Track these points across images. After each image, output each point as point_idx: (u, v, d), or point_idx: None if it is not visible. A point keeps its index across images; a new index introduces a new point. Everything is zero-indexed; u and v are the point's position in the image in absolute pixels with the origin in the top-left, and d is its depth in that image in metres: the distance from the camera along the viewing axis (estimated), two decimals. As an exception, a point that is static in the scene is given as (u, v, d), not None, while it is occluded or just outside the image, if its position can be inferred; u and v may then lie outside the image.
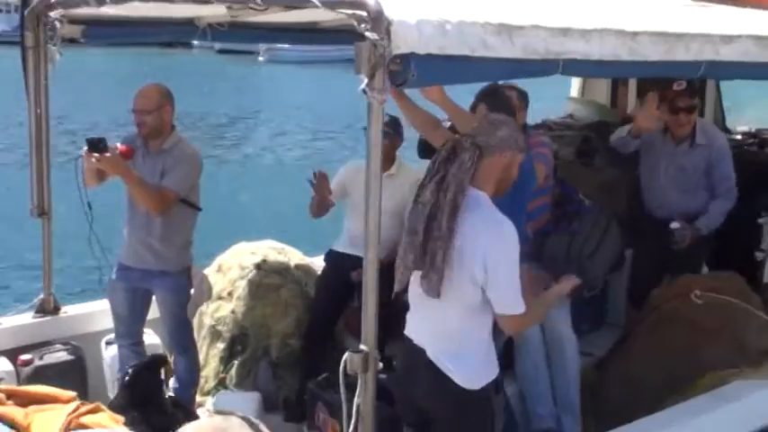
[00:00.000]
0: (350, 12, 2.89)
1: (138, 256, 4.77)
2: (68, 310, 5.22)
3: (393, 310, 5.08)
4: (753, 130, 7.05)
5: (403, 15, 2.87)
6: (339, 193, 5.20)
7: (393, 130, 5.10)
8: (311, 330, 5.22)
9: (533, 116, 5.58)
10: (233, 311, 5.27)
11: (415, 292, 3.32)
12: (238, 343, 5.23)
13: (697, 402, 4.20)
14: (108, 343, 5.16)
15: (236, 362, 5.18)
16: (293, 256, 5.64)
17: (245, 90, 33.55)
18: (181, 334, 4.88)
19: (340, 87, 35.29)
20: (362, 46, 2.81)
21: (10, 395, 3.02)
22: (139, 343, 4.96)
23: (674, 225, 4.91)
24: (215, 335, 5.29)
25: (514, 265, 3.15)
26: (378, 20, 2.80)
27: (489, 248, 3.11)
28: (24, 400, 3.01)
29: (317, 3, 3.02)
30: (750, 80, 4.55)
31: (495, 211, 3.20)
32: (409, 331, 3.45)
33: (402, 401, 3.55)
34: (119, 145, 4.57)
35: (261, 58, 44.36)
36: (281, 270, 5.43)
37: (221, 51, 44.54)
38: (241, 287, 5.32)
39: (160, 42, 24.40)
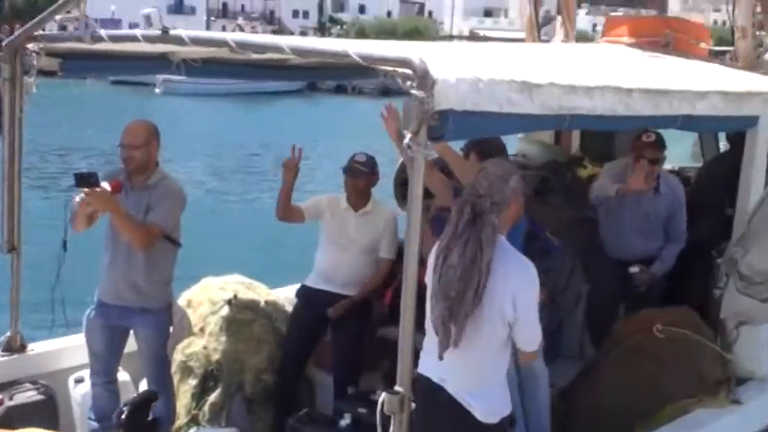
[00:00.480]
0: (396, 69, 3.04)
1: (118, 292, 4.74)
2: (35, 347, 5.11)
3: (369, 345, 5.23)
4: (676, 168, 7.53)
5: (444, 74, 3.04)
6: (312, 212, 5.29)
7: (369, 169, 5.25)
8: (285, 366, 5.28)
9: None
10: (205, 347, 5.27)
11: (433, 337, 3.45)
12: (211, 379, 5.23)
13: (663, 431, 4.50)
14: (77, 381, 5.08)
15: (208, 398, 5.17)
16: (261, 290, 5.69)
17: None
18: (160, 371, 4.86)
19: (236, 119, 35.13)
20: (411, 103, 2.96)
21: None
22: (114, 381, 4.93)
23: (634, 269, 5.25)
24: (186, 371, 5.26)
25: (537, 305, 3.39)
26: (424, 78, 2.96)
27: (519, 290, 3.36)
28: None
29: (359, 59, 3.15)
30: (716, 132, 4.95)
31: (520, 254, 3.42)
32: (425, 370, 3.57)
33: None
34: (105, 182, 4.54)
35: (157, 90, 43.46)
36: (252, 305, 5.47)
37: (115, 83, 43.27)
38: (212, 323, 5.33)
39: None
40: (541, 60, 4.35)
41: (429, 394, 3.54)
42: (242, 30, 69.29)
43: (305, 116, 33.57)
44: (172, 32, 3.88)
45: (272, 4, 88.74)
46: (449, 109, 3.05)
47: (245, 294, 5.53)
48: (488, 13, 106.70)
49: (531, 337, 3.46)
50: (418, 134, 2.99)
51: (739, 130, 4.94)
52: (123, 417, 4.12)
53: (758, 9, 5.66)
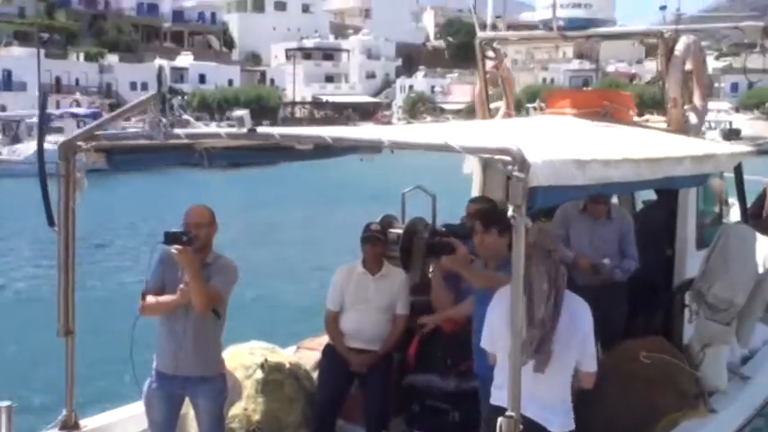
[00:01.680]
0: (499, 157, 3.78)
1: (177, 362, 5.13)
2: (88, 423, 5.40)
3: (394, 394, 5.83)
4: None
5: (533, 158, 3.79)
6: (338, 298, 5.90)
7: (384, 236, 5.92)
8: (319, 419, 5.80)
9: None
10: (245, 409, 5.73)
11: (528, 376, 4.11)
12: (253, 438, 5.68)
13: None
14: (132, 452, 5.41)
15: (253, 455, 5.61)
16: (282, 353, 6.20)
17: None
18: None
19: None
20: (516, 184, 3.70)
21: None
22: (172, 447, 5.28)
23: (606, 261, 6.14)
24: (229, 432, 5.69)
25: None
26: (523, 163, 3.71)
27: (586, 326, 4.16)
28: None
29: (460, 149, 3.87)
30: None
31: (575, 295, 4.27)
32: (523, 409, 4.15)
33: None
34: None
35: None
36: (280, 367, 5.97)
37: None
38: (249, 386, 5.79)
39: None
40: (552, 136, 5.20)
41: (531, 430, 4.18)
42: (79, 105, 67.09)
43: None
44: (259, 130, 4.45)
45: (108, 76, 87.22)
46: (538, 186, 3.80)
47: (272, 358, 6.02)
48: (330, 79, 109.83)
49: (593, 362, 4.31)
50: (521, 207, 3.72)
51: (698, 185, 6.00)
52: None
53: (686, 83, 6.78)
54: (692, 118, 6.89)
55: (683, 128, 6.78)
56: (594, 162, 4.31)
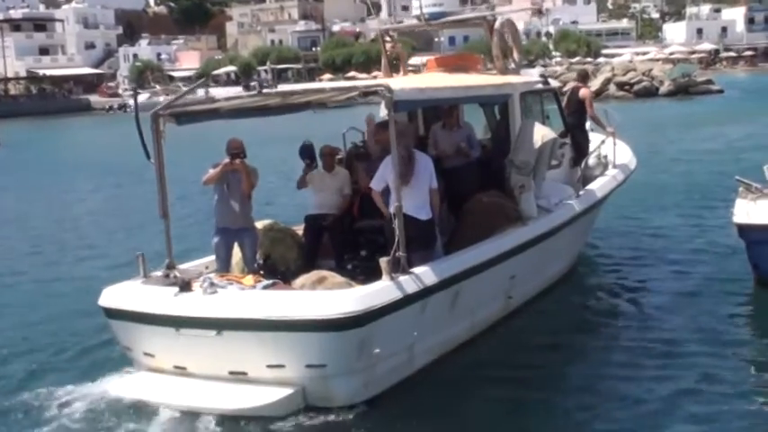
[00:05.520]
0: (379, 88, 8.32)
1: (232, 219, 9.56)
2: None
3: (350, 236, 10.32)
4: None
5: (395, 86, 8.33)
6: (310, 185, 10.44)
7: (333, 152, 10.45)
8: (308, 257, 10.28)
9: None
10: (265, 249, 10.20)
11: (404, 192, 8.66)
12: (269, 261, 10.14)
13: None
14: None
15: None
16: (281, 224, 10.71)
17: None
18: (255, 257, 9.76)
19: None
20: (388, 98, 8.22)
21: None
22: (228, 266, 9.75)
23: (462, 144, 10.60)
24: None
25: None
26: (389, 89, 8.22)
27: (430, 165, 8.84)
28: None
29: (363, 86, 8.40)
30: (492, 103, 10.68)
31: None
32: (404, 209, 8.73)
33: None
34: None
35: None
36: (282, 229, 10.51)
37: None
38: (265, 238, 10.25)
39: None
40: (417, 80, 9.79)
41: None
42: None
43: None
44: (264, 91, 8.87)
45: None
46: (398, 99, 8.27)
47: (275, 226, 10.52)
48: (45, 51, 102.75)
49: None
50: (390, 110, 8.19)
51: (503, 101, 10.66)
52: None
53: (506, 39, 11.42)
54: (512, 64, 11.54)
55: (505, 71, 11.41)
56: (428, 88, 8.86)
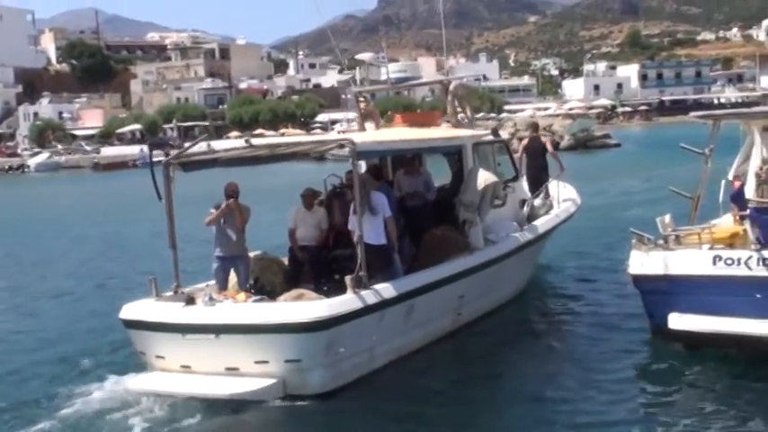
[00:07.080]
0: (345, 141, 10.47)
1: (228, 248, 11.65)
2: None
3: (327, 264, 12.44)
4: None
5: (358, 140, 10.47)
6: (293, 222, 12.50)
7: (313, 194, 12.58)
8: (290, 282, 12.31)
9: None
10: (254, 273, 12.26)
11: (365, 224, 10.80)
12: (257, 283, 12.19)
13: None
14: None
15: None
16: (269, 255, 12.79)
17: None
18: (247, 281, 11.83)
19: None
20: (352, 149, 10.37)
21: None
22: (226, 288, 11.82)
23: (419, 190, 12.75)
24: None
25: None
26: (353, 142, 10.37)
27: (383, 200, 10.99)
28: None
29: (334, 141, 10.56)
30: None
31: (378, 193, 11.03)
32: (365, 239, 10.87)
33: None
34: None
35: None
36: (269, 259, 12.56)
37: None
38: (255, 265, 12.32)
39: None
40: (379, 134, 11.98)
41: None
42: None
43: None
44: (253, 141, 11.02)
45: None
46: (360, 150, 10.40)
47: (264, 256, 12.59)
48: None
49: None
50: (353, 159, 10.32)
51: (456, 151, 12.86)
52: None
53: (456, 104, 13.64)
54: (463, 119, 13.76)
55: (458, 125, 13.62)
56: (387, 140, 11.03)
